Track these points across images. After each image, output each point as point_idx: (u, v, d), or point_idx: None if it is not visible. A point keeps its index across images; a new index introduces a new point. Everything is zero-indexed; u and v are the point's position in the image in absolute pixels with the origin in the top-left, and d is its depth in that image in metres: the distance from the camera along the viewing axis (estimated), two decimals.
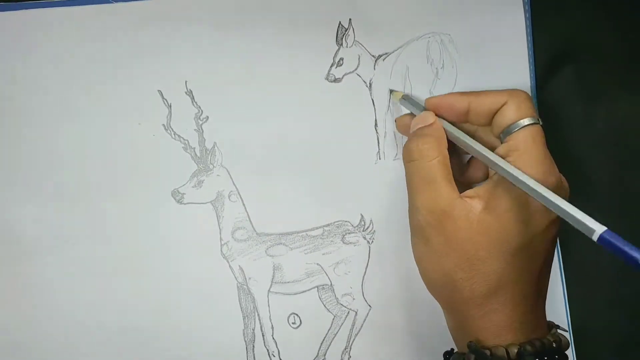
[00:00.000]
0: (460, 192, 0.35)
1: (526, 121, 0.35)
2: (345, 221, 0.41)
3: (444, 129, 0.37)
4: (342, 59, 0.41)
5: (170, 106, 0.39)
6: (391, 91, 0.41)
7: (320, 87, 0.40)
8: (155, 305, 0.39)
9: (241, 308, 0.40)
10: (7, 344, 0.38)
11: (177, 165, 0.39)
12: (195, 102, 0.39)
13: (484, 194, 0.35)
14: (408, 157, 0.36)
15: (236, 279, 0.40)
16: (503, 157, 0.34)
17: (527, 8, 0.41)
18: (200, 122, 0.40)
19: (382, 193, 0.41)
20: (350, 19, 0.41)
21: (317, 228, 0.41)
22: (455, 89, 0.42)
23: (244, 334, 0.40)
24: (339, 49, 0.41)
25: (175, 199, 0.39)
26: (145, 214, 0.39)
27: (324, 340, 0.41)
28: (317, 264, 0.41)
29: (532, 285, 0.35)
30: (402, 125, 0.40)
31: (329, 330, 0.41)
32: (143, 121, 0.39)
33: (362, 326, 0.41)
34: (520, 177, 0.32)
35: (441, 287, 0.36)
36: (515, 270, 0.34)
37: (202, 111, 0.39)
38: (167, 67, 0.39)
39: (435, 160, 0.35)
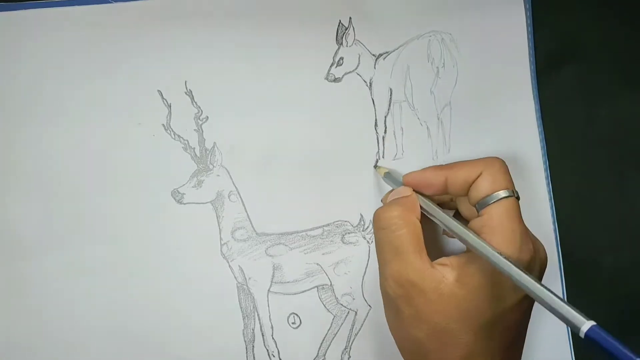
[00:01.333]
0: (440, 247, 0.35)
1: (501, 194, 0.35)
2: (345, 221, 0.41)
3: (421, 205, 0.37)
4: (342, 58, 0.40)
5: (170, 106, 0.39)
6: (375, 167, 0.41)
7: (320, 87, 0.40)
8: (155, 305, 0.39)
9: (241, 308, 0.40)
10: (6, 343, 0.39)
11: (177, 165, 0.39)
12: (195, 102, 0.39)
13: (457, 265, 0.34)
14: (377, 225, 0.36)
15: (236, 278, 0.40)
16: (477, 232, 0.34)
17: (527, 7, 0.41)
18: (200, 122, 0.39)
19: (382, 193, 0.41)
20: (350, 18, 0.40)
21: (316, 228, 0.41)
22: (456, 88, 0.42)
23: (243, 334, 0.40)
24: (339, 48, 0.40)
25: (175, 199, 0.39)
26: (145, 214, 0.39)
27: (323, 340, 0.41)
28: (317, 263, 0.41)
29: (502, 357, 0.35)
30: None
31: (328, 330, 0.41)
32: (143, 121, 0.39)
33: (362, 326, 0.41)
34: (499, 263, 0.32)
35: (412, 353, 0.36)
36: (485, 343, 0.34)
37: (201, 111, 0.39)
38: (166, 67, 0.39)
39: (404, 230, 0.35)
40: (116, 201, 0.39)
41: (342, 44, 0.40)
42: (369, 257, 0.41)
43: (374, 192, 0.41)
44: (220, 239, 0.40)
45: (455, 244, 0.41)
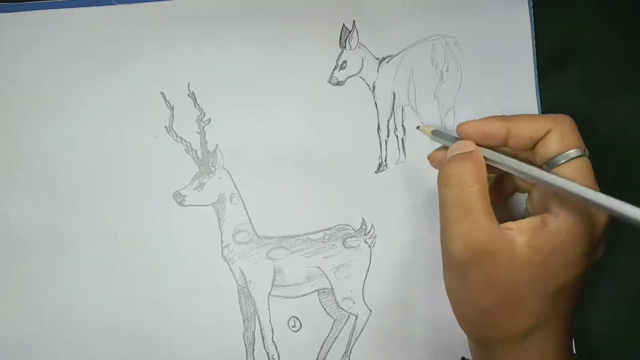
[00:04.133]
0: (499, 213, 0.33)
1: (572, 153, 0.32)
2: (347, 225, 0.41)
3: (486, 156, 0.34)
4: (345, 61, 0.40)
5: (173, 108, 0.39)
6: (418, 127, 0.40)
7: (323, 90, 0.40)
8: (156, 307, 0.40)
9: (241, 311, 0.40)
10: (7, 343, 0.39)
11: (178, 167, 0.39)
12: (198, 105, 0.39)
13: (527, 229, 0.32)
14: (445, 182, 0.34)
15: (237, 281, 0.40)
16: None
17: (531, 12, 0.41)
18: (203, 125, 0.40)
19: (384, 197, 0.41)
20: (354, 21, 0.40)
21: (318, 231, 0.41)
22: (460, 92, 0.42)
23: (244, 337, 0.40)
24: (342, 52, 0.40)
25: (176, 201, 0.39)
26: (147, 215, 0.39)
27: (324, 344, 0.41)
28: (318, 267, 0.41)
29: (566, 322, 0.33)
30: (436, 161, 0.38)
31: (329, 334, 0.41)
32: (145, 123, 0.39)
33: (362, 330, 0.41)
34: (596, 198, 0.29)
35: (475, 325, 0.34)
36: (553, 309, 0.32)
37: (204, 113, 0.39)
38: (169, 69, 0.39)
39: (475, 187, 0.33)
40: (117, 202, 0.39)
41: (345, 47, 0.40)
42: (370, 261, 0.41)
43: (376, 196, 0.41)
44: (222, 241, 0.40)
45: (513, 206, 0.40)
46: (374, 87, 0.41)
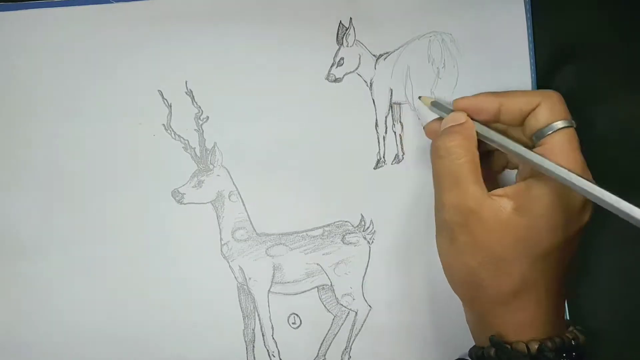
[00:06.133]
0: (492, 181, 0.35)
1: (560, 124, 0.34)
2: (346, 221, 0.41)
3: (477, 130, 0.36)
4: (342, 58, 0.41)
5: (171, 106, 0.39)
6: (420, 97, 0.41)
7: (321, 87, 0.40)
8: (155, 305, 0.40)
9: (241, 308, 0.40)
10: (6, 343, 0.39)
11: (177, 165, 0.39)
12: (196, 102, 0.39)
13: (514, 194, 0.34)
14: (436, 154, 0.36)
15: (236, 279, 0.40)
16: None
17: (527, 7, 0.41)
18: (201, 122, 0.40)
19: (383, 193, 0.41)
20: (351, 18, 0.40)
21: (317, 228, 0.41)
22: (457, 88, 0.42)
23: (244, 334, 0.40)
24: (339, 49, 0.40)
25: (175, 199, 0.39)
26: (146, 214, 0.39)
27: (324, 340, 0.41)
28: (317, 264, 0.41)
29: (557, 286, 0.34)
30: (431, 131, 0.39)
31: (329, 330, 0.41)
32: (143, 121, 0.39)
33: (362, 326, 0.41)
34: (569, 176, 0.31)
35: (464, 285, 0.36)
36: (541, 272, 0.34)
37: (202, 111, 0.39)
38: (167, 67, 0.39)
39: (463, 159, 0.34)
40: (116, 201, 0.39)
41: (342, 44, 0.40)
42: (369, 257, 0.41)
43: (375, 192, 0.41)
44: (221, 239, 0.40)
45: (505, 178, 0.41)
46: (371, 84, 0.41)
